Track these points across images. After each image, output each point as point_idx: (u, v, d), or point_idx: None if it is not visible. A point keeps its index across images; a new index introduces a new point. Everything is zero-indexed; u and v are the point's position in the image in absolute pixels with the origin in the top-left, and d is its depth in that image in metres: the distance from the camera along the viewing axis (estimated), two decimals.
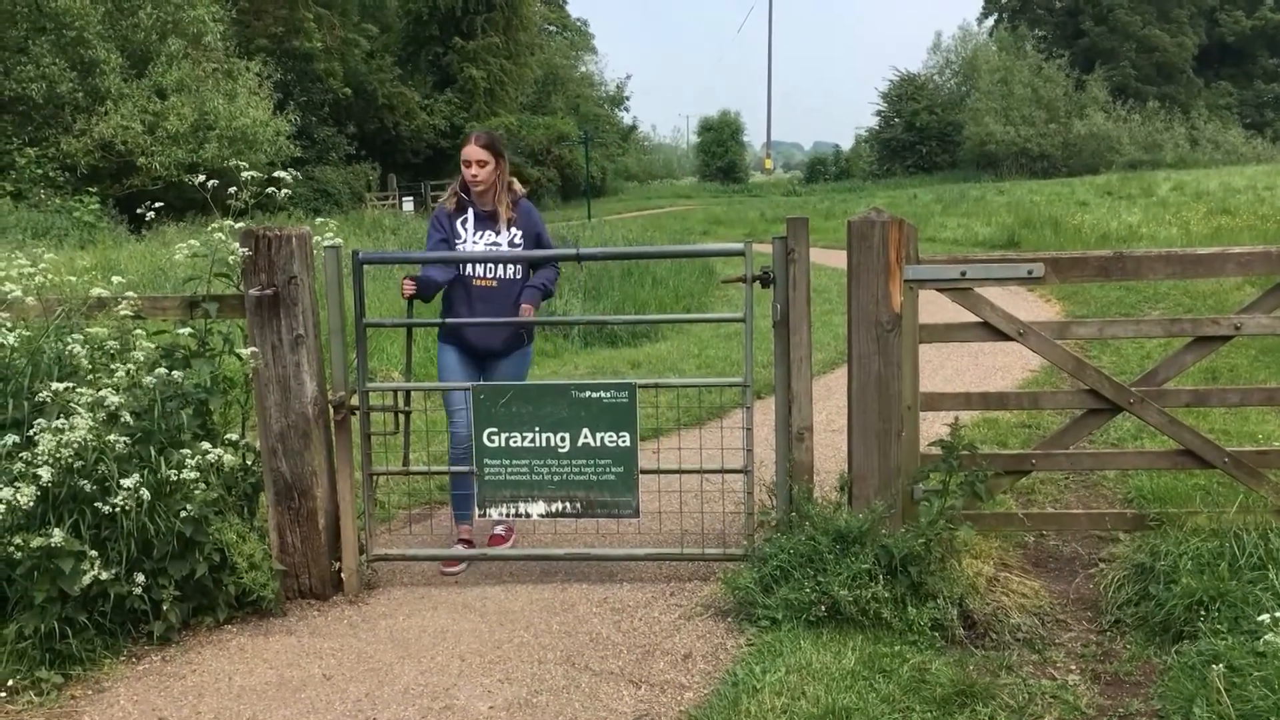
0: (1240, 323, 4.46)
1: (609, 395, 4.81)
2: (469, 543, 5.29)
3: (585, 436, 4.82)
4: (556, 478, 4.85)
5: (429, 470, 5.63)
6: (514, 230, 5.20)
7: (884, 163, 59.68)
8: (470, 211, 5.21)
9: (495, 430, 4.85)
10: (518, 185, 5.33)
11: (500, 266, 5.13)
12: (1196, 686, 3.50)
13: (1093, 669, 3.96)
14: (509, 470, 4.87)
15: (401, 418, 5.12)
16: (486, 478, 4.89)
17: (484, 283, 5.13)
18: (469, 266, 5.13)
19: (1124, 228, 19.60)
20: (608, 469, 4.84)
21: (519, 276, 5.18)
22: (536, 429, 4.82)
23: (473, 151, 5.12)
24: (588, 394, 4.81)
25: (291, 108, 32.44)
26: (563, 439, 4.82)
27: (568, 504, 4.87)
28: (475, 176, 5.12)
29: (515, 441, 4.84)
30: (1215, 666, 3.36)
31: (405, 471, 5.25)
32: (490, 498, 4.92)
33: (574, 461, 4.83)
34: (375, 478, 5.20)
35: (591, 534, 5.49)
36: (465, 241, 5.18)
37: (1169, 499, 5.19)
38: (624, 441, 4.82)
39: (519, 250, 5.20)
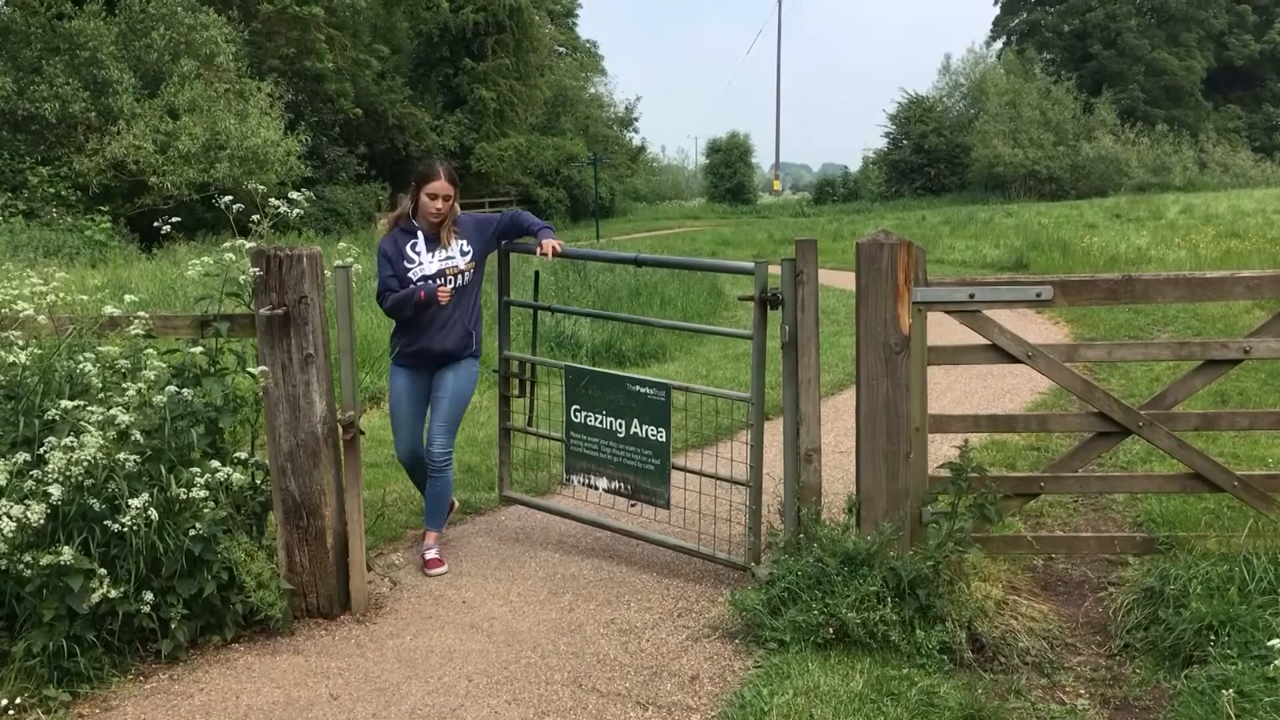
0: (1250, 346, 4.46)
1: (651, 392, 5.25)
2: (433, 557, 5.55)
3: (635, 426, 5.29)
4: (615, 459, 5.40)
5: (542, 433, 6.06)
6: (460, 241, 5.40)
7: (892, 184, 59.66)
8: (420, 235, 5.35)
9: (579, 408, 5.49)
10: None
11: (455, 278, 5.35)
12: (1206, 712, 3.49)
13: (1102, 693, 3.94)
14: (585, 445, 5.50)
15: (528, 385, 5.92)
16: (572, 448, 5.55)
17: (444, 296, 5.35)
18: (430, 283, 5.31)
19: (1133, 250, 19.60)
20: (649, 459, 5.28)
21: (466, 283, 5.40)
22: (604, 413, 5.41)
23: (443, 187, 5.30)
24: (636, 388, 5.31)
25: (302, 128, 32.54)
26: (619, 425, 5.36)
27: (622, 484, 5.44)
28: (440, 210, 5.30)
29: (591, 421, 5.47)
30: (1225, 691, 3.35)
31: (528, 430, 5.98)
32: (574, 466, 5.57)
33: (626, 447, 5.35)
34: (510, 433, 6.05)
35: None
36: (420, 264, 5.32)
37: (1178, 523, 5.17)
38: (660, 436, 5.23)
39: (474, 258, 5.47)
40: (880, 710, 3.75)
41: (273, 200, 4.90)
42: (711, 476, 5.38)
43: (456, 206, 5.49)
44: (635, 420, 5.30)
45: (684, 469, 5.40)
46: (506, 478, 6.13)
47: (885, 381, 4.50)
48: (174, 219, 5.57)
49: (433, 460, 5.38)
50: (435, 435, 5.36)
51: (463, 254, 5.40)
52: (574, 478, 5.60)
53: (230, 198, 5.01)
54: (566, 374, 5.58)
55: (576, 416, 5.50)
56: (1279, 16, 62.29)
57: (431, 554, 5.50)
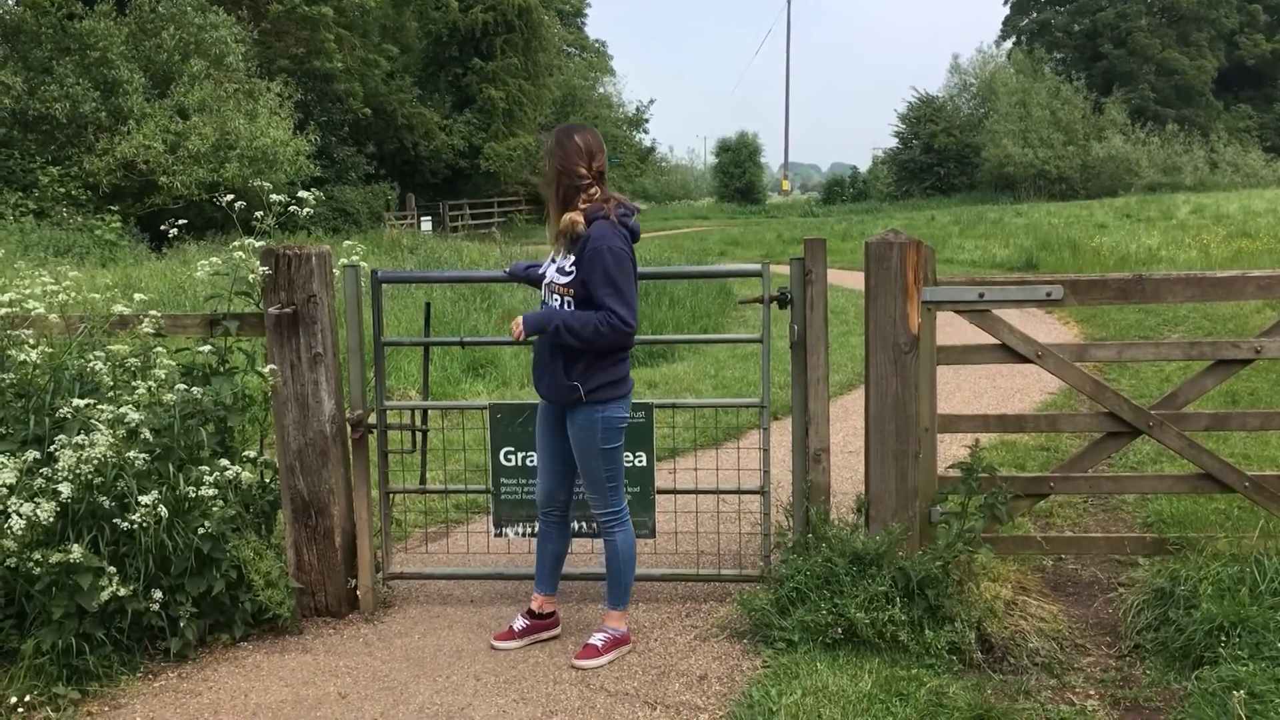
0: (1261, 346, 4.44)
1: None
2: (532, 613, 4.55)
3: None
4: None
5: (445, 489, 5.64)
6: (570, 256, 4.10)
7: (902, 184, 59.53)
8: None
9: (512, 449, 4.90)
10: (578, 218, 4.05)
11: (555, 299, 4.17)
12: (1217, 713, 3.48)
13: (1112, 694, 3.93)
14: (525, 490, 4.89)
15: (419, 436, 5.09)
16: (503, 497, 4.96)
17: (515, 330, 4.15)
18: (542, 296, 4.29)
19: (1143, 250, 19.53)
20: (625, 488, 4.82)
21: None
22: None
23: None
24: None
25: (312, 127, 32.59)
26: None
27: (584, 524, 4.86)
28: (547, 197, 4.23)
29: (532, 460, 4.84)
30: (1236, 693, 3.34)
31: (422, 490, 5.27)
32: (507, 517, 4.98)
33: None
34: (392, 496, 5.24)
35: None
36: (547, 264, 4.30)
37: (1189, 523, 5.15)
38: (640, 461, 4.85)
39: (575, 285, 4.10)
40: (889, 710, 3.75)
41: (275, 197, 4.87)
42: (711, 492, 5.16)
43: (578, 209, 4.08)
44: None
45: (674, 490, 5.13)
46: (390, 551, 5.16)
47: (894, 381, 4.49)
48: (181, 221, 5.54)
49: (598, 523, 4.46)
50: (586, 495, 4.40)
51: (562, 273, 4.13)
52: (507, 530, 4.98)
53: (231, 196, 5.00)
54: (492, 414, 4.91)
55: (509, 460, 4.88)
56: None
57: (595, 638, 4.36)
